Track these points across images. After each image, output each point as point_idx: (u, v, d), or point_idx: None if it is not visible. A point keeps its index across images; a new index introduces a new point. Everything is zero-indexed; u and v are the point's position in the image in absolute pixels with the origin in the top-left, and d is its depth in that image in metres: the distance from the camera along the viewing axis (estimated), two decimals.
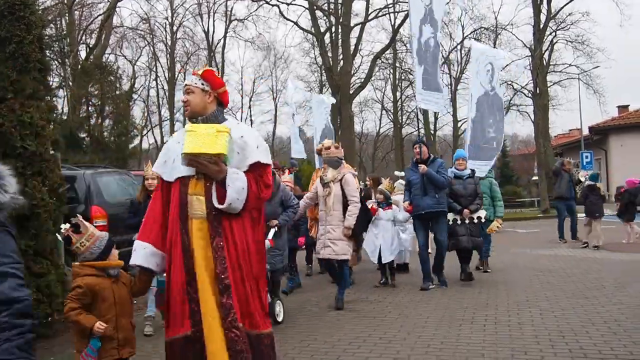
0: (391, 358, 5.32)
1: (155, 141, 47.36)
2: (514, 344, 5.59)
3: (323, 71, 37.89)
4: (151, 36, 41.16)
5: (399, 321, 6.77)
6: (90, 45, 30.71)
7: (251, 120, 50.90)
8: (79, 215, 4.03)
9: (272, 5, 34.20)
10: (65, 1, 26.63)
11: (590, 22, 51.88)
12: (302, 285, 9.43)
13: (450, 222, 9.09)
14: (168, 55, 44.04)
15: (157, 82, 45.69)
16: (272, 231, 6.80)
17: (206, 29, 43.43)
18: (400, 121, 46.44)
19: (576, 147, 33.63)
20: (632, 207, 13.87)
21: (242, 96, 50.27)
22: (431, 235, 9.34)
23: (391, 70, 43.82)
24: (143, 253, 3.94)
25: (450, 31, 40.03)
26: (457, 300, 7.88)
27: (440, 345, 5.68)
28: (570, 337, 5.78)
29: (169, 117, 45.47)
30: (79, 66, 27.03)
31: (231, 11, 42.49)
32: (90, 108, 26.81)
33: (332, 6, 33.53)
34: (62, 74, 25.62)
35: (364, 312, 7.38)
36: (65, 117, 22.84)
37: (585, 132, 34.22)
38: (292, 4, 33.72)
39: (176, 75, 44.51)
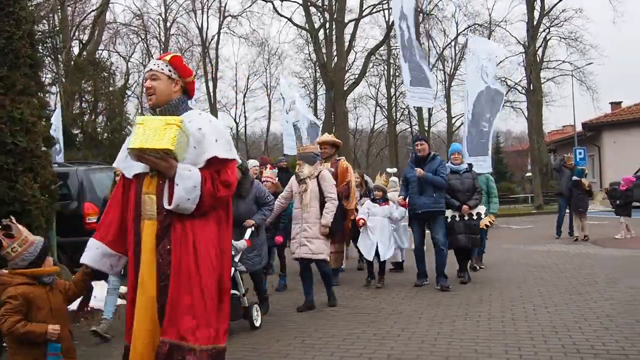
0: (385, 354, 5.32)
1: None
2: (508, 340, 5.60)
3: (317, 67, 37.93)
4: (144, 32, 41.05)
5: (392, 317, 6.77)
6: (83, 42, 30.64)
7: (245, 116, 50.93)
8: (12, 217, 3.80)
9: (266, 2, 34.29)
10: None
11: (584, 18, 52.26)
12: (287, 287, 8.90)
13: (449, 219, 8.73)
14: (162, 52, 43.83)
15: None
16: (249, 231, 6.60)
17: (200, 25, 43.37)
18: (395, 117, 46.55)
19: (569, 143, 33.74)
20: (628, 204, 14.03)
21: (236, 92, 50.28)
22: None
23: (385, 67, 43.95)
24: (94, 253, 3.70)
25: (444, 28, 40.09)
26: (450, 296, 7.88)
27: (434, 341, 5.68)
28: (563, 332, 5.79)
29: None
30: (72, 62, 26.95)
31: (225, 7, 42.49)
32: (83, 104, 26.74)
33: (326, 2, 33.53)
34: (55, 70, 25.53)
35: (357, 308, 7.38)
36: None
37: (579, 128, 34.29)
38: (286, 0, 33.77)
39: None
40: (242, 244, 6.29)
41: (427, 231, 8.82)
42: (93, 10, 30.92)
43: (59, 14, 27.82)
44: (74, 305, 4.24)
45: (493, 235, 13.66)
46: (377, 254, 8.58)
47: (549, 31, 35.48)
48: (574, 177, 13.73)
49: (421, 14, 31.64)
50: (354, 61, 40.29)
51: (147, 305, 3.42)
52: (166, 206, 3.45)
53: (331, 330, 6.27)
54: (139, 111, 44.06)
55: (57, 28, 26.95)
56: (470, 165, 9.27)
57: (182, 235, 3.48)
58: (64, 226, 7.83)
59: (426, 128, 41.48)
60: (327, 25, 33.53)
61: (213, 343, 3.50)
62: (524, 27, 33.77)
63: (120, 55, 40.48)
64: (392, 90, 45.66)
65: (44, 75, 20.50)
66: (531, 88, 33.29)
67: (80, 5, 31.65)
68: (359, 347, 5.55)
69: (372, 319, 6.74)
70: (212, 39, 43.90)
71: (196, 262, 3.47)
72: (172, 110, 3.66)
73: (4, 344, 5.77)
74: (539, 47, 34.78)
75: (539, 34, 33.67)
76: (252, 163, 9.93)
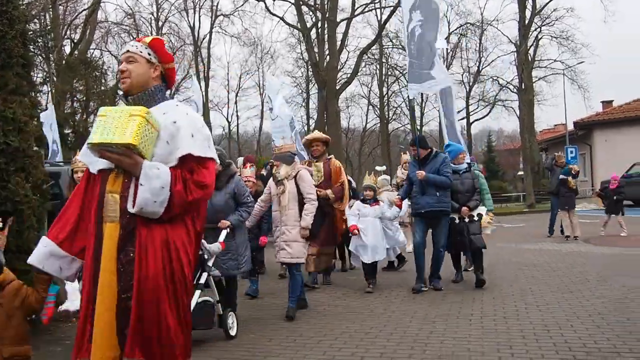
0: (378, 353, 5.33)
1: None
2: (500, 338, 5.62)
3: (309, 67, 37.89)
4: (136, 31, 40.85)
5: (385, 316, 6.78)
6: (75, 41, 30.56)
7: (237, 115, 50.84)
8: None
9: (258, 1, 34.34)
10: None
11: (575, 18, 52.55)
12: (259, 292, 8.31)
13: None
14: None
15: None
16: (224, 233, 6.22)
17: (192, 24, 43.27)
18: (387, 116, 46.60)
19: (561, 142, 33.88)
20: (619, 202, 14.24)
21: (228, 92, 50.20)
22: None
23: (377, 66, 43.99)
24: (41, 252, 3.33)
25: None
26: (443, 295, 7.90)
27: (426, 340, 5.69)
28: (555, 330, 5.82)
29: None
30: (64, 61, 26.86)
31: (217, 6, 42.40)
32: (75, 104, 26.67)
33: (318, 1, 33.52)
34: (47, 70, 25.44)
35: (350, 307, 7.39)
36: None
37: (570, 127, 34.46)
38: None
39: None
40: (215, 247, 5.89)
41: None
42: (84, 9, 30.85)
43: (51, 13, 27.73)
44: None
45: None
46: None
47: (541, 30, 35.70)
48: (561, 176, 13.90)
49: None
50: (346, 60, 40.32)
51: (107, 320, 3.06)
52: (129, 209, 3.08)
53: (323, 329, 6.27)
54: None
55: (49, 27, 26.87)
56: (469, 164, 8.90)
57: (147, 242, 3.10)
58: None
59: (418, 127, 41.53)
60: (319, 25, 33.53)
61: None
62: (515, 26, 33.97)
63: (112, 55, 40.26)
64: (385, 90, 45.77)
65: (35, 75, 20.42)
66: (523, 87, 33.43)
67: (72, 4, 31.59)
68: (351, 346, 5.56)
69: (364, 318, 6.75)
70: (204, 38, 43.86)
71: (164, 274, 3.11)
72: (146, 99, 3.29)
73: None
74: (530, 46, 34.94)
75: (530, 33, 33.83)
76: (239, 161, 9.77)
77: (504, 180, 43.84)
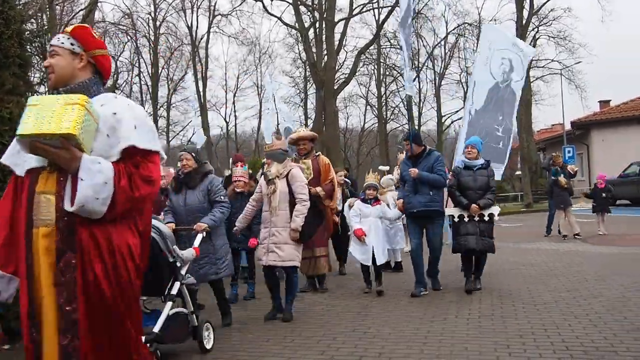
0: (376, 353, 5.32)
1: None
2: (497, 338, 5.62)
3: (307, 67, 37.90)
4: (134, 31, 40.92)
5: (383, 316, 6.78)
6: None
7: (235, 115, 50.84)
8: None
9: (256, 1, 34.31)
10: None
11: (572, 17, 52.61)
12: (256, 296, 8.17)
13: (456, 219, 8.02)
14: (151, 51, 43.85)
15: (140, 77, 45.52)
16: (199, 237, 5.90)
17: (189, 24, 43.37)
18: (385, 116, 46.64)
19: (558, 141, 33.92)
20: (606, 200, 14.40)
21: (226, 92, 50.21)
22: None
23: (375, 66, 44.06)
24: None
25: (434, 27, 40.27)
26: (441, 294, 7.90)
27: (424, 339, 5.69)
28: (553, 330, 5.82)
29: (152, 113, 45.20)
30: None
31: (215, 6, 42.48)
32: None
33: (316, 2, 33.52)
34: (44, 70, 25.37)
35: (347, 307, 7.38)
36: None
37: (568, 127, 34.50)
38: None
39: (159, 71, 44.34)
40: (189, 253, 5.39)
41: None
42: (82, 10, 30.75)
43: (48, 13, 27.67)
44: None
45: None
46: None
47: (538, 30, 35.79)
48: (552, 177, 14.12)
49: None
50: (344, 60, 40.39)
51: (51, 340, 2.80)
52: (67, 207, 2.78)
53: (321, 329, 6.27)
54: None
55: (46, 27, 26.78)
56: (487, 161, 8.29)
57: (90, 246, 2.82)
58: None
59: (416, 127, 41.58)
60: (317, 25, 33.55)
61: None
62: (513, 26, 33.92)
63: (109, 55, 40.26)
64: (383, 89, 45.81)
65: (32, 75, 20.39)
66: None
67: (69, 4, 31.52)
68: (350, 347, 5.56)
69: (363, 318, 6.75)
70: (201, 38, 43.90)
71: (109, 281, 2.85)
72: (78, 92, 2.96)
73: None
74: None
75: (528, 32, 33.86)
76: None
77: (501, 180, 43.85)
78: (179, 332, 5.30)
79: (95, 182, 2.77)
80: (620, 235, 13.71)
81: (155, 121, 44.47)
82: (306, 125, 40.13)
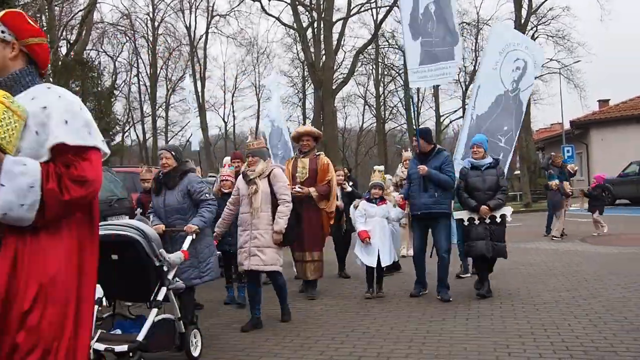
0: (375, 352, 5.32)
1: (138, 138, 47.24)
2: (497, 337, 5.61)
3: (305, 67, 37.90)
4: (132, 32, 41.01)
5: (382, 315, 6.77)
6: (71, 41, 30.51)
7: (234, 115, 50.84)
8: None
9: (254, 1, 34.32)
10: None
11: (571, 16, 52.53)
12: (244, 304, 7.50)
13: (466, 222, 7.58)
14: (149, 51, 43.91)
15: (138, 78, 45.59)
16: (189, 239, 5.60)
17: (188, 25, 43.41)
18: (383, 116, 46.69)
19: (557, 141, 33.96)
20: (601, 200, 14.37)
21: (224, 92, 50.23)
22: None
23: (373, 66, 44.12)
24: None
25: None
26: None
27: (423, 339, 5.69)
28: (552, 330, 5.81)
29: (151, 113, 45.25)
30: (60, 62, 26.82)
31: (213, 6, 42.51)
32: None
33: (314, 1, 33.53)
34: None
35: (347, 307, 7.38)
36: None
37: (567, 126, 34.52)
38: None
39: (158, 71, 44.35)
40: (176, 257, 5.12)
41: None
42: (80, 10, 30.82)
43: (47, 14, 27.68)
44: None
45: None
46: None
47: (537, 29, 35.81)
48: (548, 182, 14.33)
49: None
50: (342, 60, 40.45)
51: None
52: None
53: (320, 329, 6.27)
54: (127, 111, 44.03)
55: (45, 28, 26.80)
56: (496, 160, 7.86)
57: (17, 259, 2.57)
58: None
59: (415, 126, 41.61)
60: (315, 25, 33.56)
61: None
62: (511, 25, 33.91)
63: (108, 55, 40.40)
64: (381, 89, 45.85)
65: None
66: None
67: (68, 5, 31.56)
68: (349, 346, 5.55)
69: (361, 317, 6.74)
70: (200, 39, 43.96)
71: (44, 300, 2.56)
72: (11, 85, 2.75)
73: None
74: None
75: (526, 32, 33.84)
76: (226, 160, 9.14)
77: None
78: (165, 339, 5.09)
79: (18, 186, 2.53)
80: (619, 235, 13.71)
81: (154, 121, 44.53)
82: (304, 124, 40.16)
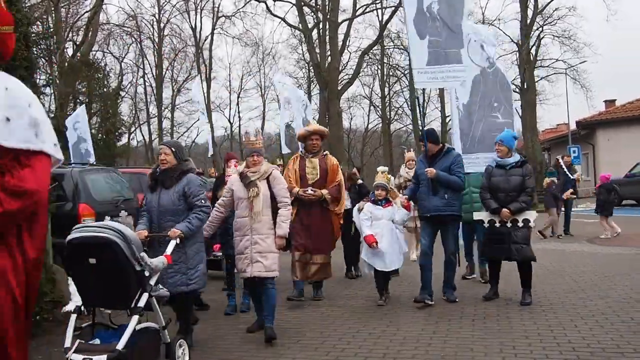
0: (381, 353, 5.33)
1: (144, 138, 47.31)
2: (503, 338, 5.61)
3: (311, 67, 37.92)
4: (138, 33, 41.09)
5: (388, 316, 6.78)
6: (77, 43, 30.62)
7: (239, 116, 50.86)
8: None
9: (259, 2, 34.28)
10: None
11: (577, 17, 52.43)
12: (237, 309, 7.34)
13: (486, 224, 7.31)
14: (155, 52, 43.99)
15: (144, 79, 45.70)
16: (172, 244, 5.28)
17: (193, 26, 43.43)
18: (389, 117, 46.66)
19: (564, 141, 33.91)
20: (607, 203, 14.18)
21: (230, 93, 50.26)
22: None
23: (379, 66, 44.08)
24: None
25: None
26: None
27: (429, 340, 5.69)
28: (559, 330, 5.81)
29: (157, 114, 45.35)
30: (66, 64, 26.93)
31: (218, 7, 42.79)
32: (77, 106, 26.73)
33: (319, 2, 33.53)
34: (49, 72, 25.50)
35: (353, 307, 7.38)
36: (52, 115, 22.73)
37: (573, 126, 34.43)
38: (279, 0, 33.77)
39: (164, 72, 44.43)
40: (159, 261, 4.82)
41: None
42: (87, 12, 30.88)
43: (53, 15, 27.79)
44: None
45: None
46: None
47: (543, 29, 35.66)
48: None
49: None
50: (347, 61, 40.35)
51: None
52: None
53: (326, 330, 6.28)
54: (133, 112, 44.15)
55: (51, 29, 26.93)
56: (523, 158, 7.45)
57: None
58: (59, 227, 7.83)
59: (420, 127, 41.58)
60: (321, 25, 33.52)
61: None
62: (517, 26, 33.93)
63: (114, 56, 40.48)
64: (386, 90, 45.82)
65: (38, 77, 20.51)
66: (525, 86, 33.42)
67: (74, 6, 31.67)
68: (355, 347, 5.56)
69: (368, 318, 6.74)
70: (205, 40, 43.99)
71: None
72: None
73: None
74: (532, 46, 34.93)
75: (532, 32, 33.84)
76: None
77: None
78: (148, 350, 4.77)
79: None
80: (626, 236, 13.66)
81: (160, 122, 44.63)
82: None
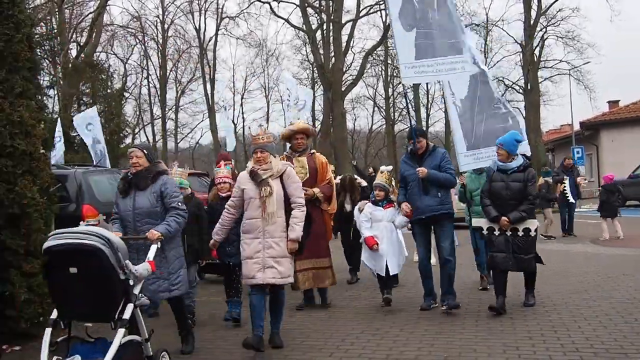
0: (384, 354, 5.32)
1: (148, 139, 47.31)
2: (506, 339, 5.60)
3: (315, 68, 37.94)
4: (142, 34, 41.18)
5: (391, 317, 6.77)
6: (81, 44, 30.70)
7: (243, 117, 50.92)
8: None
9: (263, 3, 34.37)
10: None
11: (581, 17, 52.37)
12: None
13: (485, 232, 6.89)
14: (159, 54, 44.03)
15: (148, 80, 45.79)
16: (154, 248, 4.93)
17: (197, 27, 43.59)
18: (393, 118, 46.64)
19: (567, 142, 33.84)
20: (607, 204, 14.08)
21: (233, 94, 50.26)
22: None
23: (383, 67, 44.08)
24: None
25: None
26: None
27: (432, 340, 5.69)
28: (562, 331, 5.80)
29: (160, 116, 45.43)
30: (70, 65, 26.99)
31: (222, 9, 42.65)
32: (81, 107, 26.80)
33: (323, 3, 33.58)
34: (53, 73, 25.58)
35: (356, 308, 7.38)
36: (56, 116, 22.80)
37: (577, 127, 34.37)
38: (283, 1, 33.81)
39: (168, 74, 44.49)
40: (143, 268, 4.53)
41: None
42: (91, 13, 31.00)
43: (57, 16, 27.86)
44: None
45: None
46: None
47: (546, 30, 35.68)
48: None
49: None
50: (351, 62, 40.46)
51: None
52: None
53: (329, 330, 6.27)
54: (137, 113, 44.23)
55: (55, 30, 27.00)
56: (527, 162, 6.95)
57: None
58: (63, 228, 7.85)
59: (424, 127, 41.59)
60: (325, 26, 33.61)
61: None
62: (521, 27, 33.93)
63: (118, 57, 40.60)
64: (390, 91, 45.78)
65: (42, 78, 20.58)
66: (528, 87, 33.44)
67: (78, 7, 31.77)
68: (358, 347, 5.56)
69: (371, 318, 6.74)
70: (209, 41, 44.05)
71: None
72: None
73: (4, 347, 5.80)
74: (536, 47, 34.95)
75: (536, 33, 33.85)
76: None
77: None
78: None
79: None
80: (630, 237, 13.62)
81: (164, 123, 44.71)
82: (313, 127, 40.21)
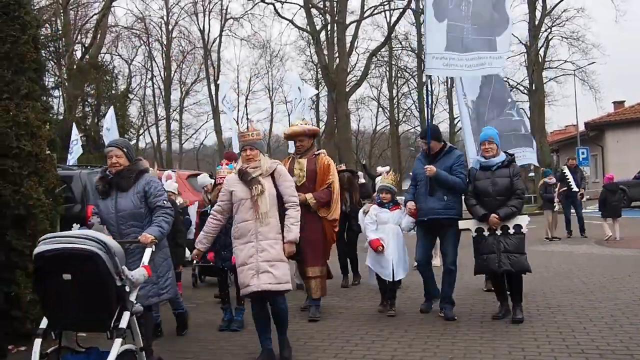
0: (389, 355, 5.32)
1: (152, 140, 47.47)
2: (511, 340, 5.59)
3: (319, 69, 37.95)
4: (147, 35, 41.23)
5: (395, 318, 6.76)
6: (86, 45, 30.75)
7: (247, 118, 50.95)
8: None
9: (267, 4, 34.37)
10: (60, 1, 26.61)
11: (586, 18, 52.26)
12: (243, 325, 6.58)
13: (474, 234, 6.46)
14: (164, 55, 44.12)
15: (153, 81, 45.88)
16: (148, 252, 4.69)
17: (202, 28, 43.57)
18: (397, 118, 46.69)
19: (572, 143, 33.79)
20: (607, 204, 14.06)
21: (238, 95, 50.29)
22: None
23: (387, 68, 44.10)
24: None
25: None
26: (454, 297, 7.84)
27: (437, 342, 5.68)
28: (568, 333, 5.78)
29: (165, 117, 45.50)
30: (75, 66, 27.05)
31: (226, 10, 42.85)
32: (86, 108, 26.90)
33: (327, 4, 33.58)
34: (58, 74, 25.65)
35: (360, 309, 7.38)
36: (61, 117, 22.87)
37: (581, 128, 34.31)
38: (287, 2, 33.83)
39: (172, 75, 44.57)
40: (139, 274, 4.31)
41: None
42: (95, 14, 31.03)
43: (62, 18, 27.94)
44: None
45: None
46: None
47: (551, 31, 35.59)
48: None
49: None
50: (355, 63, 40.36)
51: None
52: None
53: (334, 332, 6.27)
54: (142, 114, 44.30)
55: (60, 32, 27.07)
56: (510, 157, 6.61)
57: None
58: (68, 229, 7.87)
59: (427, 123, 41.51)
60: (329, 27, 33.58)
61: None
62: (525, 27, 33.82)
63: (123, 59, 40.65)
64: (394, 92, 45.84)
65: (47, 79, 20.64)
66: (533, 88, 33.34)
67: (83, 9, 31.83)
68: (363, 349, 5.56)
69: (375, 320, 6.74)
70: (214, 42, 44.11)
71: None
72: None
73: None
74: (540, 47, 34.85)
75: (540, 33, 33.75)
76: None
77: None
78: None
79: None
80: (635, 237, 13.60)
81: (168, 124, 44.79)
82: (317, 127, 40.15)
